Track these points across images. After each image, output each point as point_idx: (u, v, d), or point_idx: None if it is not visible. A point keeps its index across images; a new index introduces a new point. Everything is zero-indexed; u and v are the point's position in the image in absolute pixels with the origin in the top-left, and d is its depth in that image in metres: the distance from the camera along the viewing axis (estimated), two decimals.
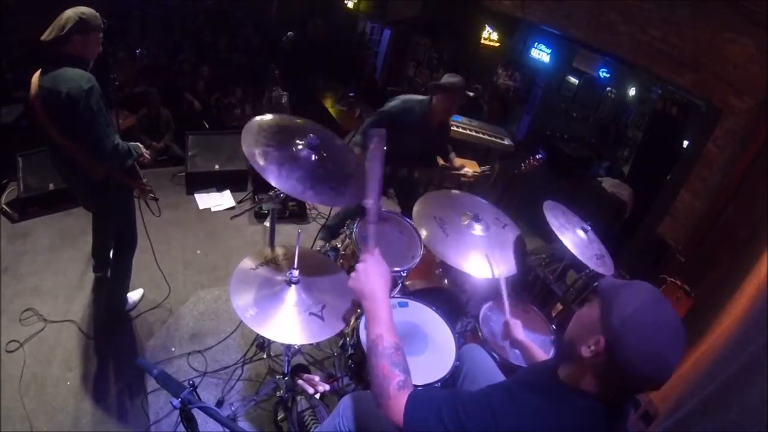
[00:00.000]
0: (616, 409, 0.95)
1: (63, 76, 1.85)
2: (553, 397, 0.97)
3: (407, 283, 2.38)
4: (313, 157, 1.83)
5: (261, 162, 1.66)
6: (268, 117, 1.93)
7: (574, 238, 2.19)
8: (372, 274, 1.14)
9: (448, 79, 2.79)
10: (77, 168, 2.03)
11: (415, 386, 1.08)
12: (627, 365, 0.88)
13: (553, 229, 2.12)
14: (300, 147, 1.83)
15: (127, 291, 2.62)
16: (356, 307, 1.99)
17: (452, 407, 0.97)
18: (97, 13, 1.94)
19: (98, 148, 1.91)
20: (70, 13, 1.87)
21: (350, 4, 8.24)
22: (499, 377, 1.64)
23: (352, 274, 1.17)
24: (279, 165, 1.71)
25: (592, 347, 0.92)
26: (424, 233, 2.07)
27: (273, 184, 1.65)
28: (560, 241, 2.12)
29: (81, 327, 2.52)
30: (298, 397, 2.02)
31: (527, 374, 1.23)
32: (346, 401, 1.56)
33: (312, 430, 1.89)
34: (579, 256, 2.09)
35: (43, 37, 1.88)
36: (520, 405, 0.96)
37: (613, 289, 0.95)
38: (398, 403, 1.01)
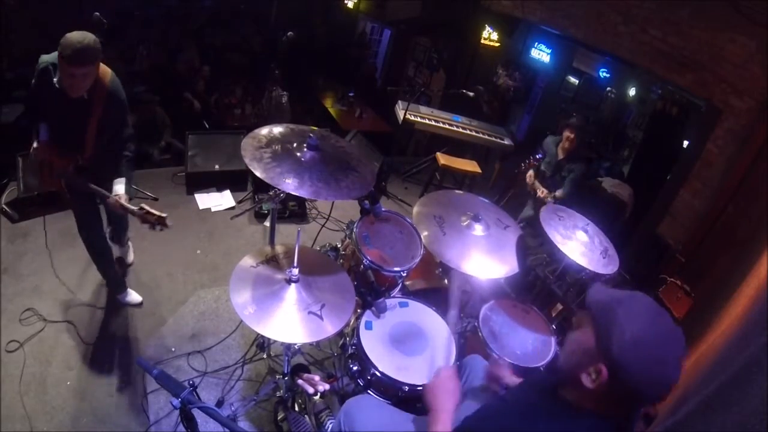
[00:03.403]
0: (624, 423, 0.94)
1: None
2: (560, 420, 0.96)
3: (407, 283, 2.38)
4: (316, 158, 1.86)
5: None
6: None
7: (578, 245, 2.19)
8: (445, 391, 1.29)
9: (575, 121, 3.69)
10: None
11: None
12: (635, 389, 0.88)
13: (558, 246, 2.11)
14: (303, 151, 1.87)
15: (110, 276, 2.63)
16: (357, 307, 2.00)
17: None
18: (66, 43, 1.80)
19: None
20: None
21: (350, 4, 8.23)
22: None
23: (429, 382, 1.33)
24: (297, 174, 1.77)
25: (593, 376, 0.91)
26: (424, 233, 2.07)
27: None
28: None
29: (81, 327, 2.51)
30: (315, 398, 2.01)
31: (528, 396, 1.16)
32: (346, 407, 1.56)
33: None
34: (588, 265, 2.10)
35: None
36: None
37: (605, 311, 0.93)
38: None
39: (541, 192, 3.66)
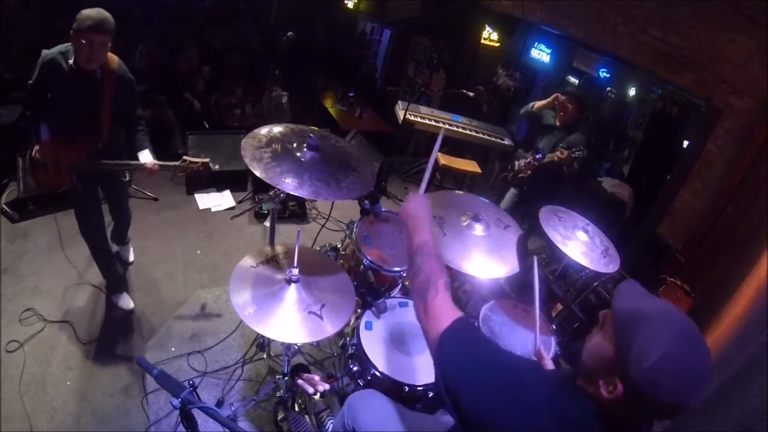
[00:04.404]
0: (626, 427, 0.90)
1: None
2: (561, 389, 0.93)
3: (407, 283, 2.38)
4: (316, 158, 1.86)
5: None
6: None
7: (578, 245, 2.18)
8: (414, 205, 1.30)
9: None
10: None
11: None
12: (650, 412, 0.86)
13: (558, 246, 2.11)
14: (303, 151, 1.89)
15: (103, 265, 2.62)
16: (357, 308, 1.99)
17: (480, 356, 0.98)
18: (87, 15, 1.89)
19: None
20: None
21: (350, 4, 8.22)
22: None
23: (403, 204, 1.36)
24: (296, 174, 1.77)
25: (610, 387, 0.86)
26: None
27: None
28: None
29: (80, 327, 2.51)
30: (315, 398, 2.01)
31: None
32: (350, 401, 1.56)
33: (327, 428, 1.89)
34: (589, 265, 2.09)
35: None
36: (526, 379, 0.94)
37: (628, 327, 0.84)
38: (444, 306, 1.05)
39: (561, 153, 3.12)
